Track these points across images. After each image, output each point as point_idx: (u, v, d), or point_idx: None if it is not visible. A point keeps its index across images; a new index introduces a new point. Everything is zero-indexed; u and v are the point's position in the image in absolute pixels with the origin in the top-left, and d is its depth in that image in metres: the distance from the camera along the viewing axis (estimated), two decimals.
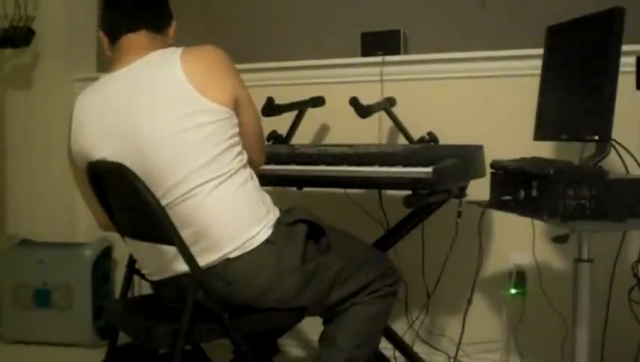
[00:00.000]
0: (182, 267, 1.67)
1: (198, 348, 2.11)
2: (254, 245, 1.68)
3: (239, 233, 1.68)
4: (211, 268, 1.67)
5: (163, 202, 1.64)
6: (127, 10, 1.81)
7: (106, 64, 1.90)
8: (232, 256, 1.67)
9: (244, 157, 1.76)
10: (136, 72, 1.73)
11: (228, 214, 1.68)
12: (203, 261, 1.66)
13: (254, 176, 1.78)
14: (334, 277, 1.78)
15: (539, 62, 2.12)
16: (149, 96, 1.67)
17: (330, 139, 2.83)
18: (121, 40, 1.79)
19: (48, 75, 3.21)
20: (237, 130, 1.73)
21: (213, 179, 1.66)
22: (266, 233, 1.70)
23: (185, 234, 1.64)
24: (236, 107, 1.72)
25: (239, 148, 1.74)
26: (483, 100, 2.60)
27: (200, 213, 1.66)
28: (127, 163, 1.64)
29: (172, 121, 1.65)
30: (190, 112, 1.65)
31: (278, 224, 1.74)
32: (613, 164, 1.93)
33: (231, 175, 1.68)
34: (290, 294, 1.73)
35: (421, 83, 2.68)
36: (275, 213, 1.77)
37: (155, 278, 1.81)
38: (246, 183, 1.72)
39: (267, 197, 1.79)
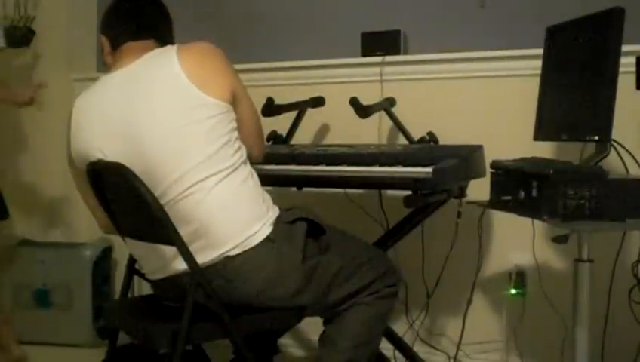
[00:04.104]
0: (181, 266, 1.67)
1: (198, 348, 2.11)
2: (254, 243, 1.68)
3: (239, 231, 1.68)
4: (211, 266, 1.68)
5: (164, 199, 1.65)
6: (133, 23, 1.83)
7: (104, 66, 1.91)
8: (232, 253, 1.67)
9: (244, 153, 1.76)
10: (134, 71, 1.74)
11: (229, 212, 1.68)
12: (203, 259, 1.66)
13: (255, 174, 1.78)
14: (334, 276, 1.78)
15: (539, 62, 2.12)
16: (148, 94, 1.68)
17: (330, 139, 2.83)
18: (124, 46, 1.81)
19: (48, 75, 3.21)
20: (235, 124, 1.74)
21: (214, 174, 1.66)
22: (266, 231, 1.70)
23: (185, 231, 1.64)
24: (234, 102, 1.74)
25: (238, 143, 1.74)
26: (483, 100, 2.60)
27: (201, 210, 1.66)
28: (127, 162, 1.64)
29: (172, 118, 1.66)
30: (190, 108, 1.66)
31: (278, 222, 1.74)
32: (613, 164, 1.93)
33: (232, 171, 1.69)
34: (290, 292, 1.73)
35: (421, 83, 2.68)
36: (274, 212, 1.77)
37: (154, 277, 1.81)
38: (247, 181, 1.73)
39: (267, 196, 1.79)
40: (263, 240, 1.69)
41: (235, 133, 1.74)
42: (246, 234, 1.68)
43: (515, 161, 1.97)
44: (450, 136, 2.46)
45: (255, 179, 1.77)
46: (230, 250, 1.67)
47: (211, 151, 1.66)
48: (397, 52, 2.76)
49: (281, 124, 2.64)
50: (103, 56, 1.90)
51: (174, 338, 1.62)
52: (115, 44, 1.83)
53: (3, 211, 2.80)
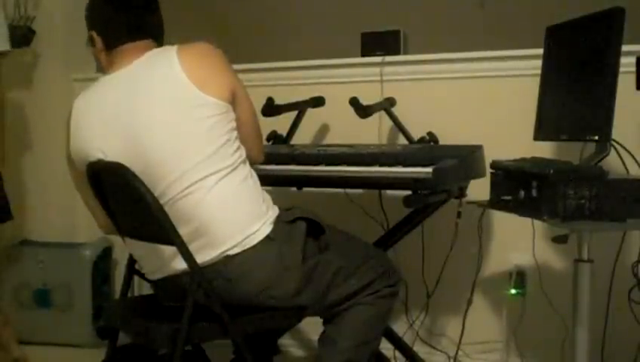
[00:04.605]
0: (181, 265, 1.67)
1: (198, 348, 2.11)
2: (254, 242, 1.68)
3: (239, 229, 1.68)
4: (211, 266, 1.68)
5: (164, 199, 1.65)
6: (130, 23, 1.80)
7: (97, 62, 1.89)
8: (231, 252, 1.67)
9: (243, 153, 1.76)
10: (134, 72, 1.74)
11: (229, 211, 1.68)
12: (202, 258, 1.66)
13: (254, 174, 1.78)
14: (334, 275, 1.78)
15: (539, 62, 2.12)
16: (148, 94, 1.68)
17: (330, 139, 2.83)
18: (121, 47, 1.79)
19: (48, 75, 3.21)
20: (234, 124, 1.74)
21: (214, 173, 1.66)
22: (266, 230, 1.70)
23: (185, 231, 1.64)
24: (233, 101, 1.74)
25: (238, 143, 1.74)
26: (483, 100, 2.60)
27: (201, 209, 1.66)
28: (127, 162, 1.64)
29: (172, 118, 1.66)
30: (190, 108, 1.66)
31: (277, 221, 1.74)
32: (613, 164, 1.93)
33: (231, 170, 1.69)
34: (290, 292, 1.73)
35: (421, 83, 2.68)
36: (274, 211, 1.77)
37: (154, 277, 1.81)
38: (246, 180, 1.73)
39: (266, 195, 1.79)
40: (262, 239, 1.69)
41: (235, 133, 1.74)
42: (246, 233, 1.68)
43: (515, 161, 1.96)
44: (450, 136, 2.45)
45: (255, 179, 1.78)
46: (230, 249, 1.67)
47: (211, 150, 1.66)
48: (397, 52, 2.76)
49: (281, 124, 2.64)
50: (94, 52, 1.85)
51: (174, 338, 1.62)
52: (111, 45, 1.80)
53: (6, 212, 2.79)
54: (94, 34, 1.83)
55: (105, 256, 3.13)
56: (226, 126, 1.70)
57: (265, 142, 2.57)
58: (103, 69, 1.85)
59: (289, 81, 2.85)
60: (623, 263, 2.18)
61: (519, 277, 2.50)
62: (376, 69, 2.71)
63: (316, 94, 2.67)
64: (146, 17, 1.83)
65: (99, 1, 1.85)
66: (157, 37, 1.84)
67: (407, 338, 2.56)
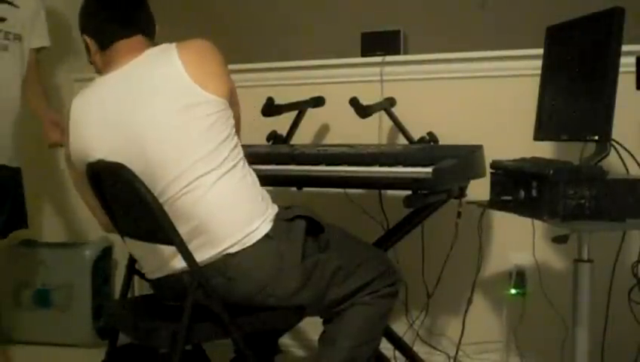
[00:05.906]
0: (181, 264, 1.67)
1: (198, 348, 2.11)
2: (254, 240, 1.68)
3: (239, 228, 1.68)
4: (210, 264, 1.68)
5: (163, 197, 1.65)
6: (123, 18, 1.80)
7: (94, 67, 1.88)
8: (231, 251, 1.67)
9: (241, 150, 1.76)
10: (133, 71, 1.74)
11: (228, 209, 1.68)
12: (202, 256, 1.66)
13: (252, 172, 1.78)
14: (333, 274, 1.78)
15: (539, 62, 2.12)
16: (149, 93, 1.68)
17: (330, 139, 2.83)
18: (114, 45, 1.79)
19: (48, 75, 3.20)
20: (233, 121, 1.74)
21: (214, 170, 1.66)
22: (265, 228, 1.70)
23: (185, 229, 1.64)
24: (230, 99, 1.74)
25: (237, 139, 1.75)
26: (483, 100, 2.60)
27: (200, 207, 1.66)
28: (127, 162, 1.64)
29: (173, 115, 1.66)
30: (191, 105, 1.66)
31: (277, 219, 1.74)
32: (613, 164, 1.93)
33: (231, 168, 1.69)
34: (290, 290, 1.73)
35: (421, 83, 2.68)
36: (273, 209, 1.77)
37: (154, 277, 1.81)
38: (245, 177, 1.73)
39: (265, 193, 1.79)
40: (262, 237, 1.69)
41: (233, 130, 1.74)
42: (245, 231, 1.68)
43: (515, 161, 1.97)
44: (450, 136, 2.46)
45: (253, 177, 1.78)
46: (230, 248, 1.67)
47: (211, 147, 1.66)
48: (397, 52, 2.76)
49: (281, 124, 2.64)
50: (89, 56, 1.86)
51: (174, 338, 1.62)
52: (105, 45, 1.80)
53: (23, 220, 2.76)
54: (87, 38, 1.84)
55: (105, 256, 3.13)
56: (226, 123, 1.71)
57: (265, 142, 2.58)
58: (99, 72, 1.85)
59: (289, 81, 2.85)
60: (623, 263, 2.18)
61: (519, 277, 2.50)
62: (376, 69, 2.71)
63: (316, 94, 2.67)
64: (135, 12, 1.83)
65: (88, 2, 1.86)
66: (148, 33, 1.83)
67: (407, 338, 2.56)
